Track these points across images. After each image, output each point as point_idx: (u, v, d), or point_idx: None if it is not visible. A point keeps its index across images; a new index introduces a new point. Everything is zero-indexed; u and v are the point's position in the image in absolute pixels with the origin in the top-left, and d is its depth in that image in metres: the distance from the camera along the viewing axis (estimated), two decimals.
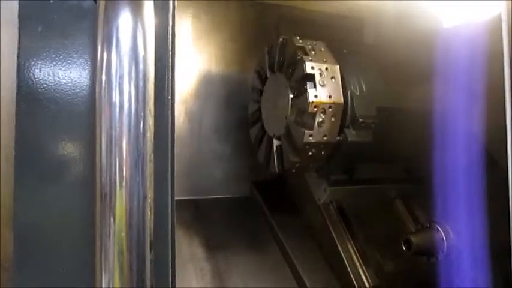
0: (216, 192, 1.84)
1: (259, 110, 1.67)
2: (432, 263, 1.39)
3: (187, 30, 1.81)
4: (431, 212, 1.39)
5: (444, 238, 1.38)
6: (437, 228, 1.39)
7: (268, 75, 1.62)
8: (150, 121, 0.61)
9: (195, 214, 1.74)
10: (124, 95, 0.59)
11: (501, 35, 1.06)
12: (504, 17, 1.06)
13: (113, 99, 0.59)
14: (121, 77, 0.59)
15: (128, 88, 0.60)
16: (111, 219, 0.58)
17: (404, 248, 1.41)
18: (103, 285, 0.58)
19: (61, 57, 0.70)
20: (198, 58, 1.83)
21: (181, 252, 1.61)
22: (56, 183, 0.70)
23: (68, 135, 0.70)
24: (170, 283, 0.74)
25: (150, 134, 0.61)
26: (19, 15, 0.68)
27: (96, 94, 0.60)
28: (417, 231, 1.47)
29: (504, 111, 1.04)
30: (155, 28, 0.67)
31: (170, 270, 0.74)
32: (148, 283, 0.59)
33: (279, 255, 1.72)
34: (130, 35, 0.60)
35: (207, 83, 1.83)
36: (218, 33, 1.85)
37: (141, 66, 0.60)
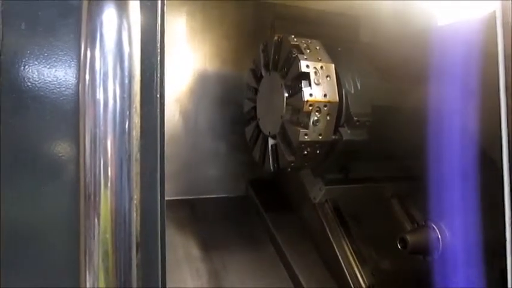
0: (211, 192, 1.83)
1: (254, 108, 1.66)
2: (428, 261, 1.39)
3: (182, 29, 1.80)
4: (427, 210, 1.38)
5: (440, 237, 1.37)
6: (433, 227, 1.38)
7: (263, 74, 1.61)
8: (136, 119, 0.60)
9: (191, 214, 1.73)
10: (108, 92, 0.58)
11: (496, 32, 1.05)
12: (499, 15, 1.05)
13: (97, 97, 0.58)
14: (105, 75, 0.58)
15: (113, 86, 0.58)
16: (96, 220, 0.57)
17: (399, 247, 1.40)
18: (87, 285, 0.57)
19: (46, 54, 0.69)
20: (192, 56, 1.82)
21: (177, 252, 1.60)
22: (41, 182, 0.69)
23: (53, 135, 0.69)
24: (160, 284, 0.73)
25: (135, 133, 0.60)
26: (1, 11, 0.67)
27: (80, 92, 0.59)
28: (413, 230, 1.46)
29: (499, 109, 1.04)
30: (143, 25, 0.66)
31: (160, 271, 0.73)
32: (134, 284, 0.58)
33: (274, 255, 1.71)
34: (115, 31, 0.59)
35: (201, 81, 1.82)
36: (213, 32, 1.84)
37: (126, 64, 0.59)
